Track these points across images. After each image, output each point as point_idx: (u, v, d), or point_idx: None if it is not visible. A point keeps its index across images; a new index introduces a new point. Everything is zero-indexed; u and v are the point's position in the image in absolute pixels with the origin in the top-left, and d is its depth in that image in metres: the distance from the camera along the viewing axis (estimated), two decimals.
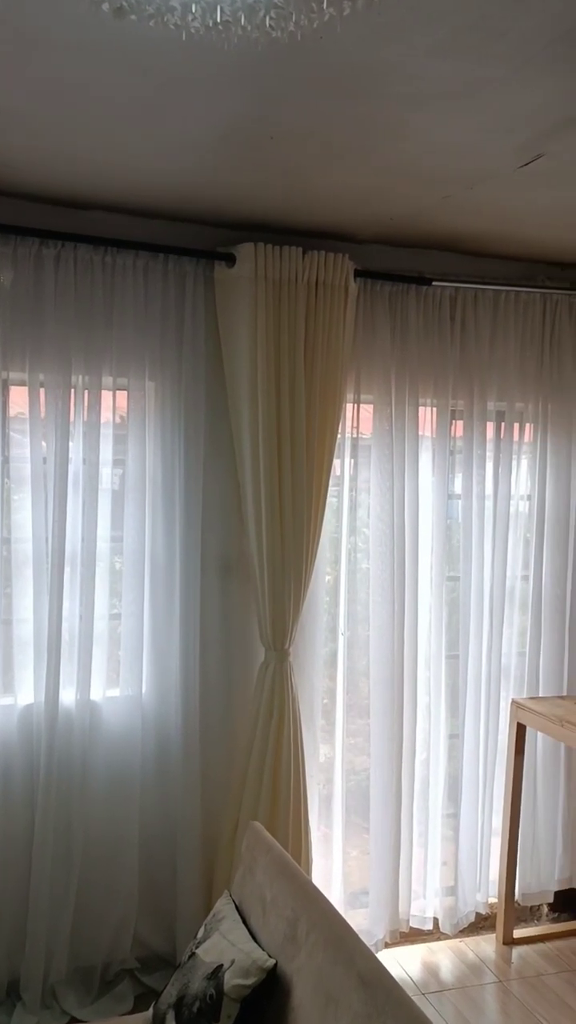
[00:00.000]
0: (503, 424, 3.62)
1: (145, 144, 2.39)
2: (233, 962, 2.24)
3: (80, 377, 3.04)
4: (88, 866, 3.12)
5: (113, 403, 3.12)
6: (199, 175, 2.64)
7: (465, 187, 2.67)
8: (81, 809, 3.08)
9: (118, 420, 3.16)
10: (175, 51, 1.82)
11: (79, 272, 2.99)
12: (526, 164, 2.44)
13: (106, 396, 3.09)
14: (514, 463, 3.63)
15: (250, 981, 2.18)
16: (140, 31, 1.72)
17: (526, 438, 3.68)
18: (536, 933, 3.71)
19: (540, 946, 3.65)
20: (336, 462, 3.36)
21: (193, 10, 1.39)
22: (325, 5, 1.39)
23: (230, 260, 3.11)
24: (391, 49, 1.78)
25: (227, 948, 2.31)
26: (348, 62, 1.85)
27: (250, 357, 3.10)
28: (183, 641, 3.19)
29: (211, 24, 1.42)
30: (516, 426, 3.63)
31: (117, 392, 3.13)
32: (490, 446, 3.61)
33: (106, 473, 3.11)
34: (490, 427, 3.61)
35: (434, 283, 3.41)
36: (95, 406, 3.04)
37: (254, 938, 2.35)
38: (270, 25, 1.43)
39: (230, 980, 2.20)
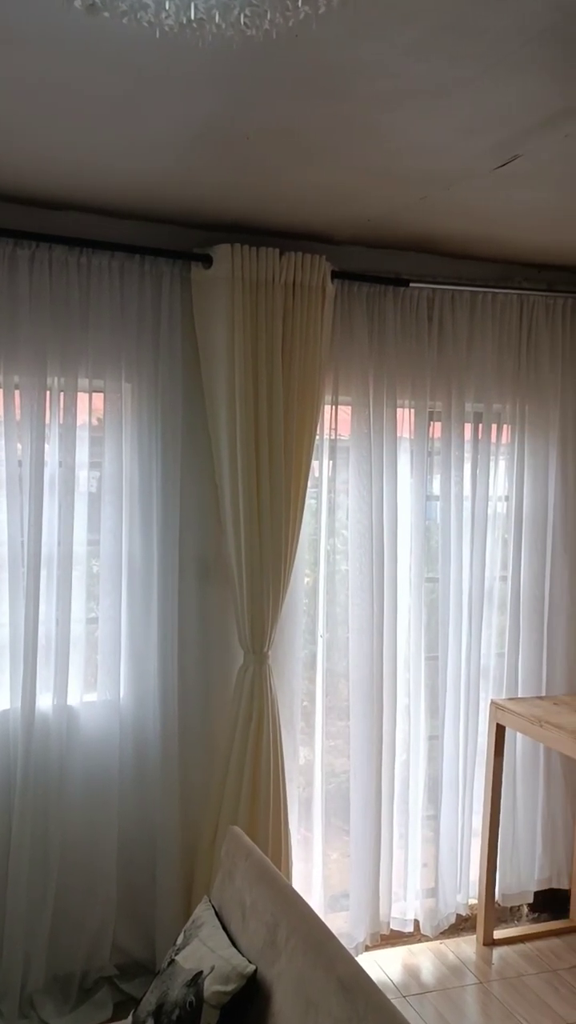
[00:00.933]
0: (481, 425, 3.63)
1: (120, 143, 2.37)
2: (213, 968, 2.22)
3: (56, 379, 3.01)
4: (66, 872, 3.09)
5: (89, 405, 3.09)
6: (175, 175, 2.62)
7: (442, 188, 2.67)
8: (58, 815, 3.05)
9: (94, 422, 3.13)
10: (149, 49, 1.80)
11: (54, 273, 2.96)
12: (502, 165, 2.44)
13: (82, 398, 3.06)
14: (492, 464, 3.64)
15: (230, 987, 2.16)
16: (113, 28, 1.70)
17: (504, 439, 3.68)
18: (516, 934, 3.72)
19: (520, 947, 3.65)
20: (314, 464, 3.35)
21: (166, 7, 1.37)
22: (300, 3, 1.38)
23: (207, 261, 3.09)
24: (367, 48, 1.77)
25: (207, 954, 2.29)
26: (324, 61, 1.84)
27: (227, 358, 3.08)
28: (161, 645, 3.17)
29: (185, 22, 1.41)
30: (494, 427, 3.64)
31: (93, 394, 3.11)
32: (468, 447, 3.61)
33: (82, 476, 3.08)
34: (468, 428, 3.61)
35: (411, 284, 3.41)
36: (71, 408, 3.02)
37: (234, 944, 2.33)
38: (244, 23, 1.42)
39: (210, 987, 2.18)
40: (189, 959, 2.31)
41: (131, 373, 3.12)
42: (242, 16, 1.39)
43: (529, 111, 2.08)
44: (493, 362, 3.58)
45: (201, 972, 2.23)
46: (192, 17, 1.39)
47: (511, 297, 3.59)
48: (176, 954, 2.38)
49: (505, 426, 3.68)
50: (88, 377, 3.07)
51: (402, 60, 1.83)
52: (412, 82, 1.93)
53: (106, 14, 1.41)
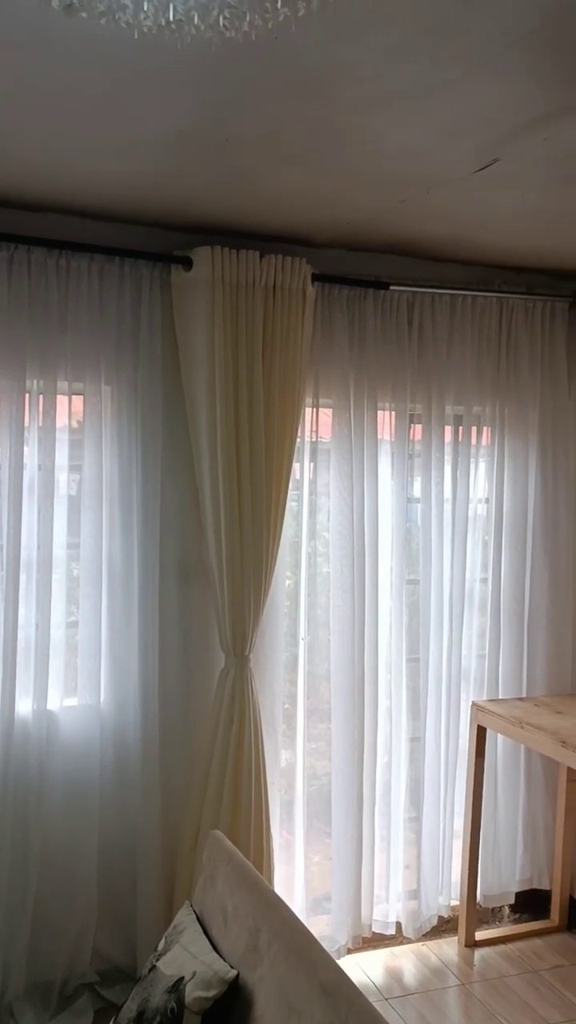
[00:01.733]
0: (461, 428, 3.64)
1: (99, 144, 2.36)
2: (194, 974, 2.21)
3: (35, 382, 2.99)
4: (46, 878, 3.06)
5: (69, 408, 3.07)
6: (154, 177, 2.61)
7: (422, 191, 2.67)
8: (38, 821, 3.03)
9: (74, 425, 3.11)
10: (128, 50, 1.79)
11: (32, 275, 2.94)
12: (483, 168, 2.45)
13: (61, 401, 3.04)
14: (472, 466, 3.65)
15: (211, 993, 2.15)
16: (91, 29, 1.69)
17: (484, 441, 3.70)
18: (498, 935, 3.73)
19: (502, 947, 3.66)
20: (296, 466, 3.35)
21: (145, 8, 1.36)
22: (280, 5, 1.37)
23: (187, 263, 3.08)
24: (347, 50, 1.77)
25: (188, 960, 2.28)
26: (304, 63, 1.83)
27: (208, 361, 3.08)
28: (142, 648, 3.15)
29: (163, 23, 1.40)
30: (474, 430, 3.65)
31: (73, 397, 3.09)
32: (448, 449, 3.62)
33: (62, 479, 3.06)
34: (448, 431, 3.62)
35: (391, 287, 3.41)
36: (50, 411, 3.00)
37: (216, 949, 2.32)
38: (224, 25, 1.41)
39: (191, 993, 2.17)
40: (170, 965, 2.30)
41: (111, 376, 3.10)
42: (221, 18, 1.39)
43: (510, 114, 2.09)
44: (473, 365, 3.59)
45: (182, 978, 2.22)
46: (171, 18, 1.38)
47: (491, 300, 3.60)
48: (157, 960, 2.37)
49: (485, 428, 3.69)
50: (67, 380, 3.05)
51: (383, 63, 1.83)
52: (393, 85, 1.93)
53: (84, 15, 1.40)
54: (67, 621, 3.13)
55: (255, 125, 2.19)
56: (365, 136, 2.25)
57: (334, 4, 1.53)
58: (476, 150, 2.32)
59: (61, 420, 3.04)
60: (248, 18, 1.39)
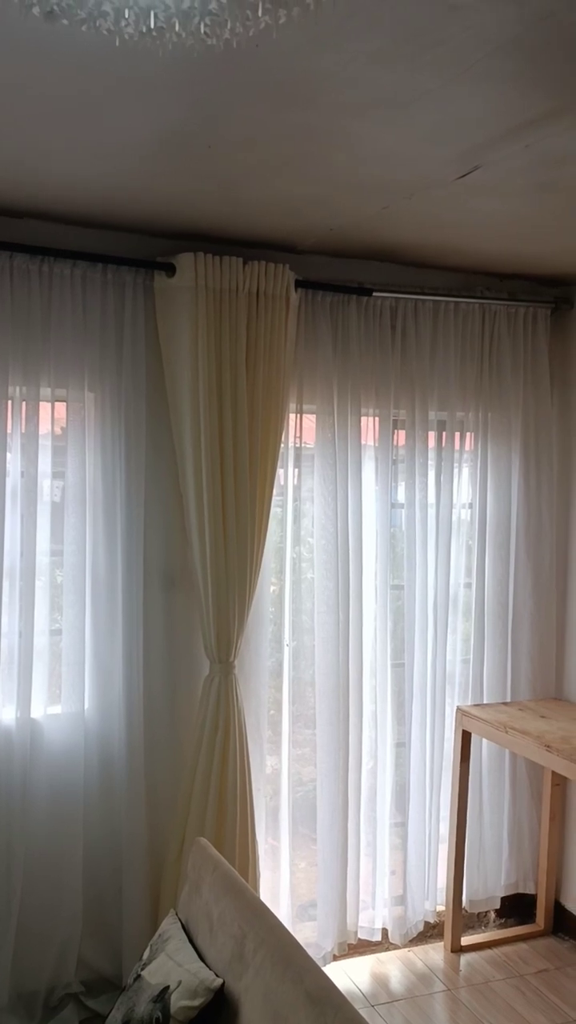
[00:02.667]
0: (444, 433, 3.65)
1: (81, 150, 2.35)
2: (180, 983, 2.20)
3: (17, 388, 2.98)
4: (30, 888, 3.04)
5: (52, 414, 3.06)
6: (137, 183, 2.61)
7: (404, 197, 2.68)
8: (22, 829, 3.01)
9: (57, 431, 3.10)
10: (110, 57, 1.79)
11: (15, 282, 2.93)
12: (464, 175, 2.46)
13: (44, 407, 3.03)
14: (456, 472, 3.66)
15: (197, 1002, 2.14)
16: (73, 36, 1.69)
17: (467, 447, 3.71)
18: (484, 940, 3.73)
19: (488, 952, 3.66)
20: (280, 472, 3.35)
21: (126, 15, 1.36)
22: (260, 13, 1.38)
23: (170, 270, 3.08)
24: (328, 57, 1.78)
25: (173, 969, 2.27)
26: (285, 70, 1.84)
27: (191, 367, 3.07)
28: (126, 656, 3.14)
29: (144, 30, 1.40)
30: (457, 435, 3.67)
31: (56, 403, 3.08)
32: (432, 455, 3.63)
33: (45, 485, 3.05)
34: (432, 436, 3.63)
35: (375, 294, 3.42)
36: (33, 418, 2.99)
37: (201, 957, 2.31)
38: (205, 32, 1.41)
39: (177, 1002, 2.16)
40: (155, 974, 2.29)
41: (94, 382, 3.10)
42: (202, 25, 1.39)
43: (491, 122, 2.10)
44: (456, 370, 3.60)
45: (168, 987, 2.21)
46: (152, 26, 1.38)
47: (473, 306, 3.62)
48: (142, 969, 2.36)
49: (468, 434, 3.71)
50: (50, 386, 3.04)
51: (364, 70, 1.84)
52: (374, 92, 1.94)
53: (65, 21, 1.40)
54: (51, 628, 3.11)
55: (237, 132, 2.19)
56: (347, 143, 2.25)
57: (315, 12, 1.53)
58: (457, 157, 2.33)
59: (44, 427, 3.03)
60: (229, 26, 1.40)
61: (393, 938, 3.62)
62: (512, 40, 1.69)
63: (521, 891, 3.88)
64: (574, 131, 2.14)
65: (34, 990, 3.06)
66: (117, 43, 1.50)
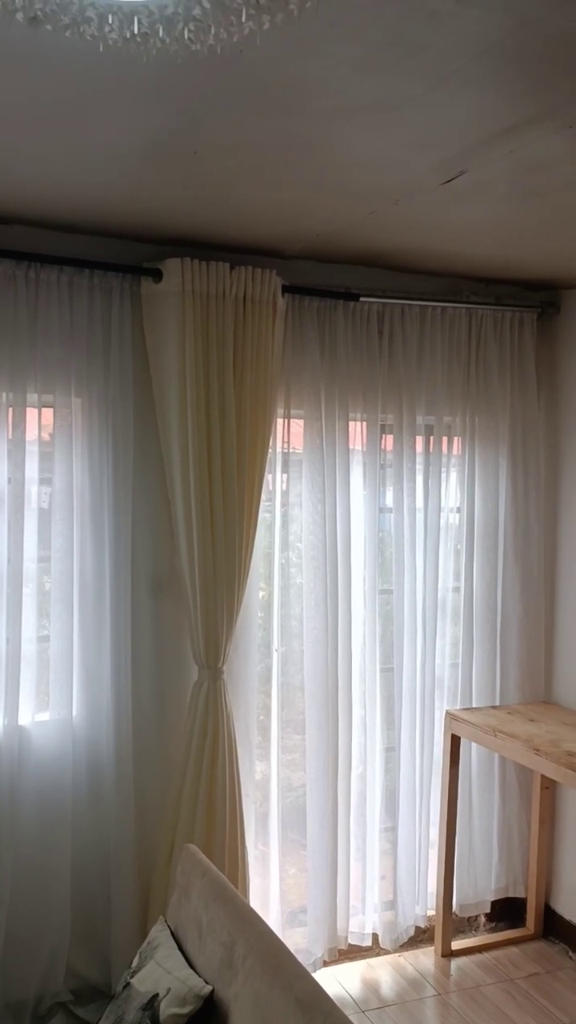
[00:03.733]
0: (432, 438, 3.65)
1: (67, 156, 2.35)
2: (169, 991, 2.19)
3: (4, 394, 2.97)
4: (18, 896, 3.03)
5: (39, 420, 3.06)
6: (124, 188, 2.61)
7: (390, 203, 2.69)
8: (10, 837, 2.99)
9: (44, 437, 3.09)
10: (94, 63, 1.79)
11: (1, 288, 2.93)
12: (449, 180, 2.47)
13: (31, 413, 3.02)
14: (443, 476, 3.67)
15: (186, 1010, 2.13)
16: (57, 41, 1.68)
17: (454, 451, 3.72)
18: (474, 944, 3.73)
19: (478, 957, 3.66)
20: (268, 477, 3.35)
21: (110, 21, 1.36)
22: (244, 19, 1.38)
23: (157, 275, 3.08)
24: (313, 63, 1.78)
25: (162, 976, 2.26)
26: (270, 76, 1.84)
27: (178, 373, 3.07)
28: (114, 662, 3.13)
29: (128, 36, 1.40)
30: (444, 439, 3.67)
31: (43, 409, 3.07)
32: (420, 459, 3.64)
33: (33, 491, 3.04)
34: (419, 441, 3.64)
35: (362, 299, 3.43)
36: (20, 423, 2.98)
37: (190, 964, 2.30)
38: (189, 38, 1.41)
39: (166, 1009, 2.15)
40: (145, 982, 2.28)
41: (81, 388, 3.09)
42: (186, 31, 1.39)
43: (473, 128, 2.11)
44: (443, 375, 3.61)
45: (157, 995, 2.19)
46: (136, 31, 1.39)
47: (460, 311, 3.63)
48: (131, 977, 2.35)
49: (456, 438, 3.72)
50: (37, 392, 3.03)
51: (348, 76, 1.84)
52: (358, 98, 1.95)
53: (49, 27, 1.40)
54: (38, 635, 3.10)
55: (223, 137, 2.19)
56: (333, 148, 2.26)
57: (298, 18, 1.54)
58: (443, 162, 2.34)
59: (31, 432, 3.02)
60: (213, 31, 1.40)
61: (383, 943, 3.62)
62: (494, 46, 1.70)
63: (511, 895, 3.88)
64: (557, 136, 2.15)
65: (22, 999, 3.04)
66: (101, 49, 1.49)
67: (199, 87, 1.91)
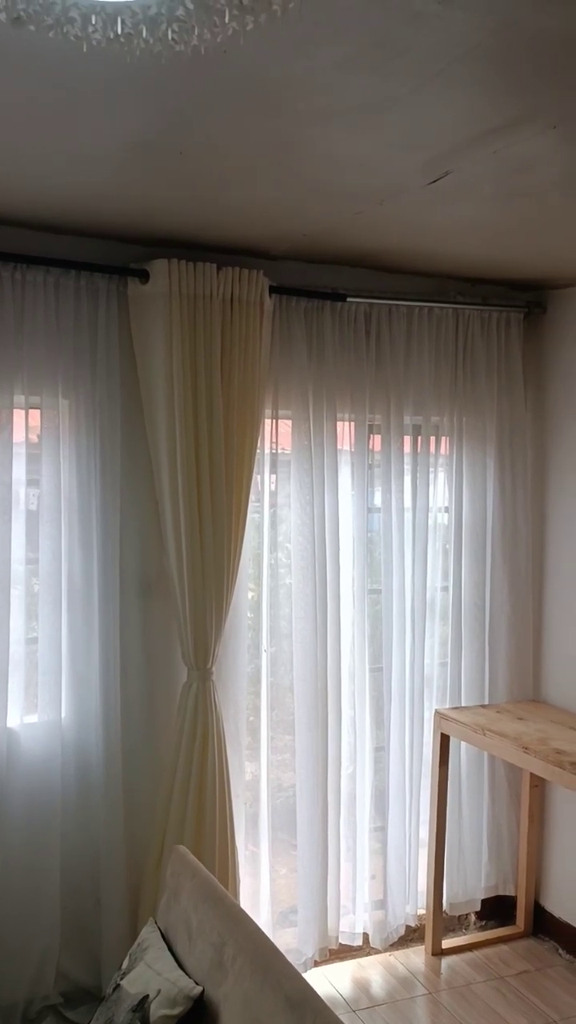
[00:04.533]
0: (420, 438, 3.66)
1: (51, 158, 2.35)
2: (159, 992, 2.19)
3: None
4: (6, 899, 3.02)
5: (26, 422, 3.05)
6: (110, 189, 2.61)
7: (376, 203, 2.70)
8: None
9: (32, 439, 3.09)
10: (78, 63, 1.79)
11: None
12: (434, 181, 2.48)
13: (18, 415, 3.02)
14: (431, 476, 3.68)
15: (176, 1011, 2.13)
16: (40, 42, 1.68)
17: (442, 451, 3.73)
18: (464, 942, 3.74)
19: (468, 955, 3.67)
20: (256, 478, 3.35)
21: (93, 21, 1.36)
22: (228, 19, 1.38)
23: (143, 276, 3.07)
24: (297, 64, 1.78)
25: (153, 978, 2.25)
26: (254, 77, 1.85)
27: (166, 374, 3.07)
28: (103, 664, 3.13)
29: (112, 36, 1.40)
30: (432, 439, 3.68)
31: (30, 411, 3.06)
32: (408, 459, 3.64)
33: (21, 493, 3.03)
34: (407, 441, 3.65)
35: (349, 299, 3.44)
36: (6, 425, 2.97)
37: (180, 966, 2.30)
38: (173, 39, 1.41)
39: (156, 1011, 2.15)
40: (135, 983, 2.28)
41: (68, 389, 3.08)
42: (170, 31, 1.39)
43: (458, 128, 2.11)
44: (430, 375, 3.62)
45: (147, 996, 2.19)
46: (119, 32, 1.38)
47: (447, 311, 3.64)
48: (121, 979, 2.34)
49: (444, 438, 3.72)
50: (24, 394, 3.02)
51: (333, 77, 1.84)
52: (343, 99, 1.95)
53: (32, 28, 1.40)
54: (27, 637, 3.09)
55: (208, 138, 2.19)
56: (318, 149, 2.26)
57: (282, 19, 1.54)
58: (427, 163, 2.34)
59: (19, 434, 3.02)
60: (197, 32, 1.40)
61: (374, 943, 3.62)
62: (477, 47, 1.71)
63: (501, 893, 3.89)
64: (542, 137, 2.16)
65: (12, 1002, 3.03)
66: (85, 49, 1.49)
67: (184, 88, 1.91)
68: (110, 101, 1.98)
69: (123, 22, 1.37)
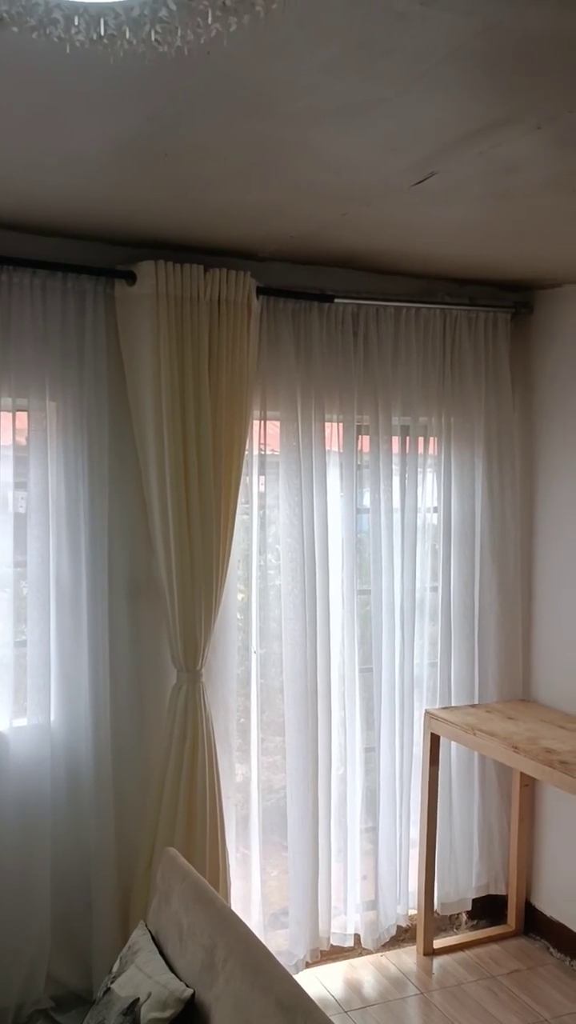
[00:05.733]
0: (408, 438, 3.67)
1: (35, 159, 2.34)
2: (150, 995, 2.18)
3: None
4: None
5: (13, 424, 3.04)
6: (95, 191, 2.60)
7: (362, 204, 2.70)
8: None
9: (20, 442, 3.08)
10: (61, 64, 1.78)
11: None
12: (420, 182, 2.48)
13: (6, 417, 3.01)
14: (420, 476, 3.68)
15: (167, 1014, 2.13)
16: (23, 43, 1.68)
17: (431, 451, 3.73)
18: (456, 942, 3.74)
19: (460, 955, 3.67)
20: (246, 479, 3.34)
21: (76, 23, 1.36)
22: (210, 20, 1.38)
23: (130, 278, 3.07)
24: (281, 65, 1.78)
25: (143, 981, 2.25)
26: (239, 78, 1.85)
27: (154, 375, 3.07)
28: (92, 666, 3.12)
29: (95, 37, 1.39)
30: (420, 440, 3.69)
31: (17, 413, 3.05)
32: (396, 460, 3.65)
33: (8, 496, 3.02)
34: (395, 441, 3.65)
35: (336, 300, 3.44)
36: None
37: (171, 968, 2.30)
38: (156, 40, 1.41)
39: (147, 1014, 2.14)
40: (125, 986, 2.27)
41: (56, 391, 3.08)
42: (153, 33, 1.39)
43: (443, 129, 2.12)
44: (418, 375, 3.63)
45: (138, 999, 2.19)
46: (102, 33, 1.38)
47: (434, 312, 3.65)
48: (112, 982, 2.34)
49: (432, 438, 3.73)
50: (11, 396, 3.02)
51: (317, 78, 1.85)
52: (328, 100, 1.95)
53: (15, 29, 1.39)
54: (15, 640, 3.08)
55: (193, 139, 2.19)
56: (303, 150, 2.26)
57: (265, 20, 1.54)
58: (413, 164, 2.35)
59: (6, 437, 3.01)
60: (180, 33, 1.40)
61: (366, 943, 3.62)
62: (461, 48, 1.71)
63: (492, 892, 3.90)
64: (527, 138, 2.17)
65: (3, 1008, 3.02)
66: (68, 50, 1.49)
67: (168, 89, 1.91)
68: (94, 102, 1.98)
69: (106, 23, 1.37)
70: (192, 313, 3.10)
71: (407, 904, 3.73)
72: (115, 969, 2.40)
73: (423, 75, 1.83)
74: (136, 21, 1.37)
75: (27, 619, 3.07)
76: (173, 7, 1.33)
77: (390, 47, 1.71)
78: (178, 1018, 2.13)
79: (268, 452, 3.45)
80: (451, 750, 3.75)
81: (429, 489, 3.74)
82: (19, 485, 3.07)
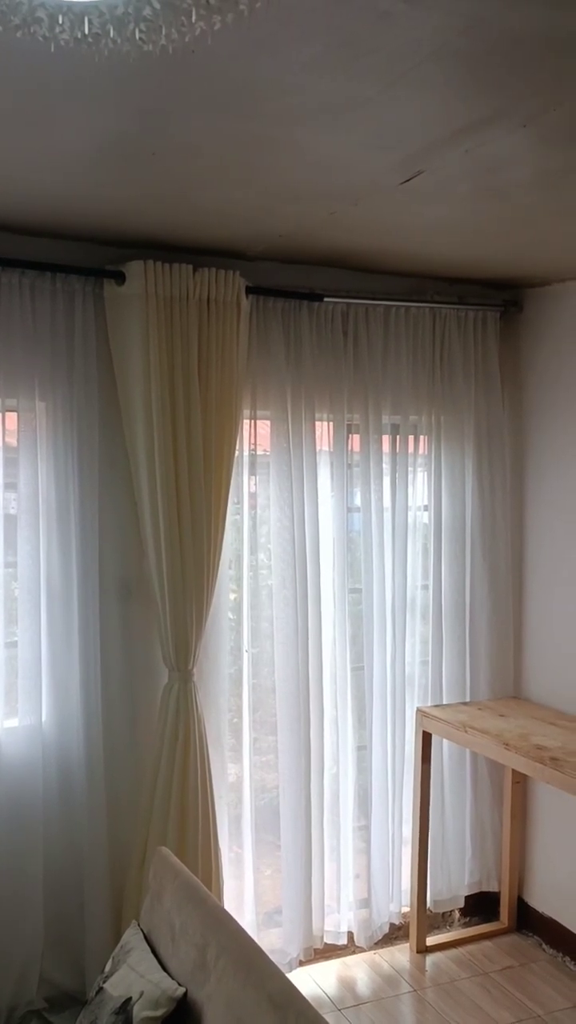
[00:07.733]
0: (398, 437, 3.67)
1: (21, 159, 2.34)
2: (142, 994, 2.18)
3: None
4: None
5: (2, 425, 3.04)
6: (83, 190, 2.60)
7: (350, 203, 2.70)
8: None
9: (10, 443, 3.07)
10: (46, 63, 1.78)
11: None
12: (407, 180, 2.49)
13: None
14: (410, 475, 3.69)
15: (159, 1012, 2.13)
16: (7, 42, 1.68)
17: (421, 450, 3.74)
18: (449, 939, 3.75)
19: (453, 952, 3.68)
20: (236, 479, 3.34)
21: (60, 21, 1.36)
22: (195, 19, 1.38)
23: (119, 278, 3.07)
24: (266, 64, 1.79)
25: (136, 980, 2.25)
26: (224, 77, 1.85)
27: (143, 375, 3.07)
28: (83, 667, 3.12)
29: (80, 36, 1.40)
30: (411, 439, 3.69)
31: (7, 413, 3.05)
32: (386, 459, 3.65)
33: None
34: (386, 440, 3.66)
35: (326, 299, 3.44)
36: None
37: (164, 967, 2.30)
38: (140, 38, 1.41)
39: (139, 1013, 2.14)
40: (118, 986, 2.27)
41: (45, 392, 3.07)
42: (137, 31, 1.39)
43: (429, 128, 2.12)
44: (408, 374, 3.63)
45: (130, 999, 2.19)
46: (87, 32, 1.38)
47: (424, 310, 3.65)
48: (104, 982, 2.34)
49: (422, 437, 3.74)
50: (1, 397, 3.01)
51: (302, 77, 1.85)
52: (313, 99, 1.96)
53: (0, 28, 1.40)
54: (6, 641, 3.08)
55: (179, 138, 2.20)
56: (289, 149, 2.27)
57: (249, 19, 1.55)
58: (400, 162, 2.35)
59: None
60: (164, 31, 1.40)
61: (359, 941, 3.63)
62: (445, 46, 1.72)
63: (485, 889, 3.90)
64: (513, 136, 2.17)
65: None
66: (52, 49, 1.49)
67: (153, 88, 1.91)
68: (80, 101, 1.98)
69: (90, 22, 1.37)
70: (181, 313, 3.10)
71: (400, 902, 3.74)
72: (107, 969, 2.40)
73: (407, 73, 1.83)
74: (120, 20, 1.37)
75: (18, 620, 3.07)
76: (157, 6, 1.34)
77: (374, 45, 1.71)
78: (170, 1017, 2.13)
79: (259, 452, 3.45)
80: (443, 748, 3.76)
81: (420, 488, 3.75)
82: (9, 486, 3.07)
